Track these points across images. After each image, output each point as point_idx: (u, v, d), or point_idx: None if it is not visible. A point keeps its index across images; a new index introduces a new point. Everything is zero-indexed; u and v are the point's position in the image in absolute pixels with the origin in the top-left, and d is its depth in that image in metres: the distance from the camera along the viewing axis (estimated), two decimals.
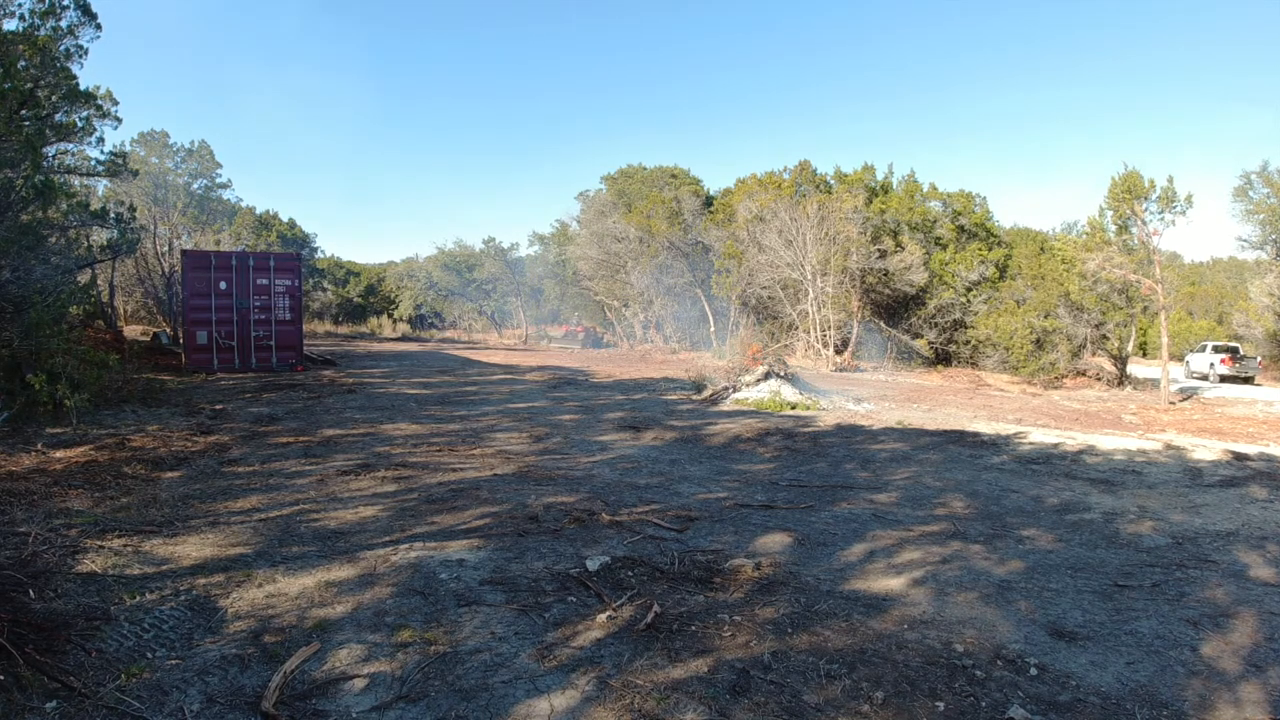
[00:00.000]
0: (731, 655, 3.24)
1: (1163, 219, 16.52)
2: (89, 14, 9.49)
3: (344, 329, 40.48)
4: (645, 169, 35.55)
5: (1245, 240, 24.95)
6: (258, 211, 38.32)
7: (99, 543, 4.36)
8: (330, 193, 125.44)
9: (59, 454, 6.74)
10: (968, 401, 14.79)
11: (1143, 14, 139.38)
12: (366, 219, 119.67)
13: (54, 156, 11.75)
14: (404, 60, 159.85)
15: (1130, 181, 16.63)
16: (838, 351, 24.85)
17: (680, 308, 32.67)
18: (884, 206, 26.60)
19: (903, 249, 25.47)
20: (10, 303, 6.88)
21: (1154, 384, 19.52)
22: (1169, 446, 8.75)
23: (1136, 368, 25.73)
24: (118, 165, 12.45)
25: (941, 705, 2.86)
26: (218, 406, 10.23)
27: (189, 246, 22.98)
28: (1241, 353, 24.38)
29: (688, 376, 14.75)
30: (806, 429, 9.55)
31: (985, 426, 10.10)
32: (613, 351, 31.44)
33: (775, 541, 4.90)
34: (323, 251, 50.63)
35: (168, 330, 22.09)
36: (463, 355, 24.63)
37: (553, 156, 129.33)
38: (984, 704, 2.88)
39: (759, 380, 12.78)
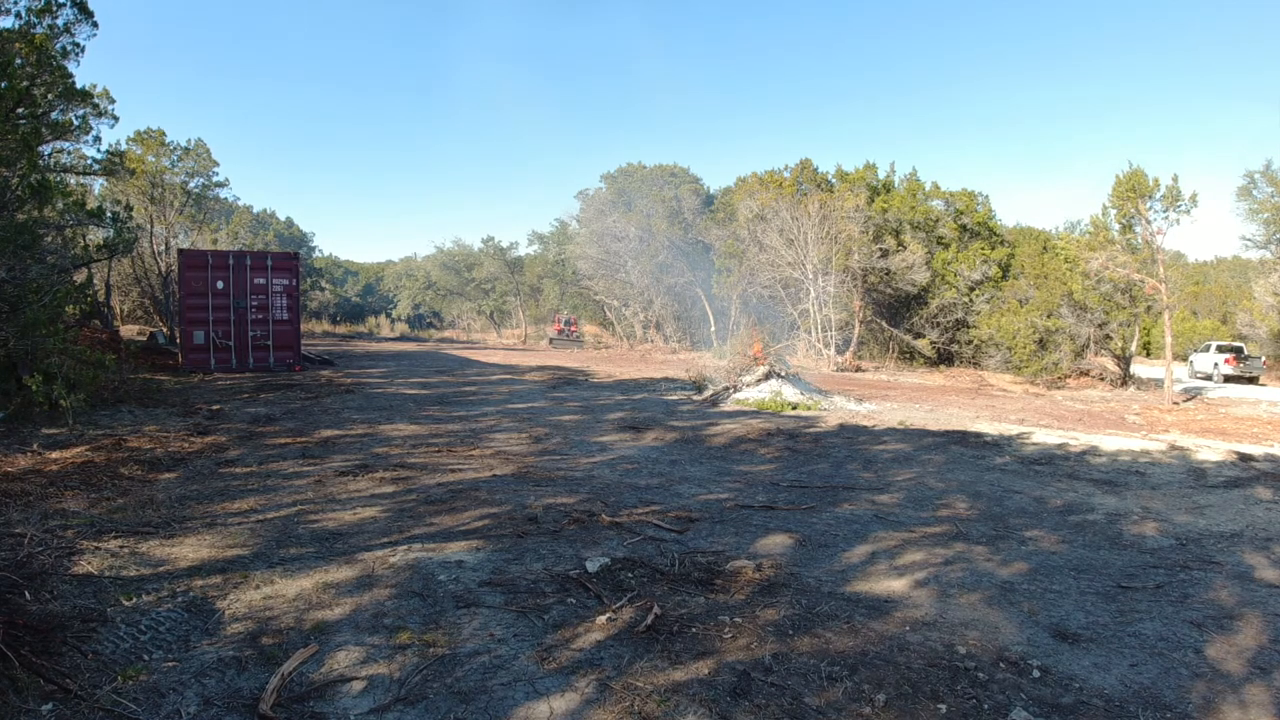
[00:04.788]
0: (732, 657, 3.21)
1: (1167, 218, 16.46)
2: (85, 12, 9.45)
3: (342, 328, 40.44)
4: (645, 168, 35.53)
5: (1249, 239, 24.95)
6: (255, 210, 38.35)
7: (95, 544, 4.33)
8: (328, 192, 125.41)
9: (55, 455, 6.71)
10: (970, 402, 14.76)
11: (1146, 12, 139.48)
12: (365, 218, 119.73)
13: (50, 155, 11.72)
14: (403, 58, 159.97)
15: (1134, 180, 16.57)
16: (839, 351, 24.82)
17: (680, 307, 32.67)
18: (886, 205, 26.55)
19: (905, 248, 25.43)
20: (6, 302, 6.85)
21: (1158, 384, 19.49)
22: (1173, 447, 8.71)
23: (1140, 368, 25.68)
24: (114, 164, 12.42)
25: (944, 708, 2.83)
26: (215, 407, 10.20)
27: (186, 245, 22.94)
28: (1246, 352, 24.26)
29: (688, 376, 14.73)
30: (808, 429, 9.52)
31: (988, 427, 10.07)
32: (611, 351, 31.40)
33: (776, 543, 4.87)
34: (320, 250, 50.73)
35: (164, 330, 22.06)
36: (461, 355, 24.60)
37: (552, 155, 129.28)
38: (986, 706, 2.85)
39: (760, 380, 12.75)
